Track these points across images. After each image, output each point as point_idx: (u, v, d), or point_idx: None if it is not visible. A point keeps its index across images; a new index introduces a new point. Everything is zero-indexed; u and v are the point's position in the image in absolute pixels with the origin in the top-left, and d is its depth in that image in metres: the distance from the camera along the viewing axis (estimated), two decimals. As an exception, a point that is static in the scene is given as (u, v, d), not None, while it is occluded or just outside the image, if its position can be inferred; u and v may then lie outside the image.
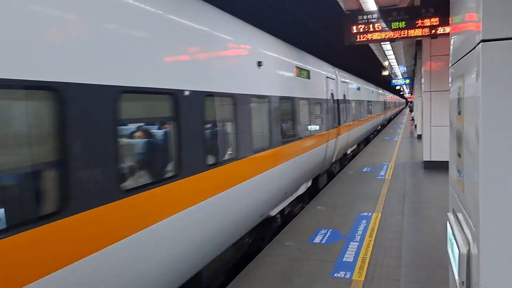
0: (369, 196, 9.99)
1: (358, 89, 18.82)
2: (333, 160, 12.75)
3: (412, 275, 5.48)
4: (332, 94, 12.13)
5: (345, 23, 8.63)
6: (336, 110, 12.63)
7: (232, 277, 6.16)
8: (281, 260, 6.19)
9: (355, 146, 18.47)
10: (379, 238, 6.90)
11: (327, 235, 7.18)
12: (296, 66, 8.68)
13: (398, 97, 79.25)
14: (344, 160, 16.12)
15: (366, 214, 8.39)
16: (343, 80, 14.56)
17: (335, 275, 5.58)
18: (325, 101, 11.23)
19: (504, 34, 2.09)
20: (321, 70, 11.22)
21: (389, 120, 49.66)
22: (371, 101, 24.58)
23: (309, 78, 9.63)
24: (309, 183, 10.21)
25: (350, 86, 16.28)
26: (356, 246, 6.58)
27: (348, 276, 5.52)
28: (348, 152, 16.54)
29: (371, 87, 26.63)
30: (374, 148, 20.27)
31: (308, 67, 9.71)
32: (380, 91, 34.68)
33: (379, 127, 33.32)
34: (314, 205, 9.33)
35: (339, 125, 13.08)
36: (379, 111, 30.76)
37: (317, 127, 10.30)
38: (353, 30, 8.55)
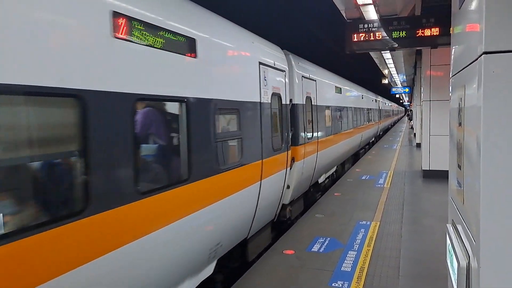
0: (368, 204, 9.95)
1: (338, 91, 13.87)
2: (285, 202, 8.32)
3: (411, 285, 5.44)
4: (277, 94, 7.41)
5: (346, 31, 8.65)
6: (286, 121, 7.93)
7: (229, 285, 6.12)
8: (279, 269, 6.15)
9: (334, 169, 13.68)
10: (378, 247, 6.86)
11: (325, 244, 7.14)
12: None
13: (397, 105, 79.30)
14: (317, 191, 11.63)
15: (364, 222, 8.36)
16: (306, 75, 9.60)
17: (333, 284, 5.54)
18: (254, 106, 6.31)
19: (507, 47, 2.08)
20: (243, 46, 6.22)
21: (386, 130, 44.61)
22: (361, 108, 20.09)
23: (194, 56, 4.53)
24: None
25: (321, 86, 11.21)
26: (354, 255, 6.54)
27: (346, 286, 5.48)
28: (322, 179, 11.61)
29: (361, 92, 21.66)
30: (373, 156, 20.25)
31: (193, 32, 4.55)
32: (375, 97, 29.78)
33: (373, 139, 28.69)
34: (312, 213, 9.29)
35: (294, 145, 8.49)
36: (373, 120, 26.06)
37: (230, 157, 5.61)
38: (354, 39, 8.57)
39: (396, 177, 13.84)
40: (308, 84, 9.60)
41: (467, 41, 2.71)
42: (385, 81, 34.05)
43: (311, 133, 9.74)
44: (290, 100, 8.33)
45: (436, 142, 12.89)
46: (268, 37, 8.28)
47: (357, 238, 7.40)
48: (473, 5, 2.47)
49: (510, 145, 2.17)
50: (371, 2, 8.06)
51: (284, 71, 7.89)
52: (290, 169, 8.14)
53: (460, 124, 2.99)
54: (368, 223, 8.32)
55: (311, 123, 9.77)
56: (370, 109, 24.88)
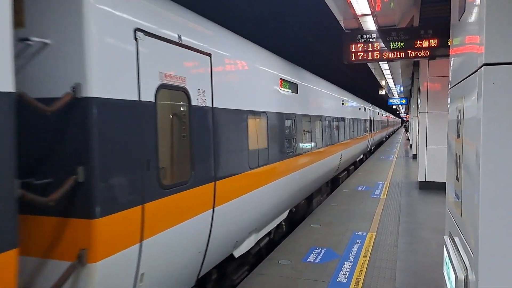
0: (364, 215, 9.92)
1: (288, 88, 8.46)
2: None
3: (407, 297, 5.40)
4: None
5: (344, 41, 8.68)
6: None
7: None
8: (275, 279, 6.09)
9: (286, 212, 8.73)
10: (374, 259, 6.82)
11: (321, 254, 7.09)
12: None
13: (394, 116, 79.57)
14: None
15: (361, 233, 8.31)
16: (160, 31, 4.18)
17: (329, 295, 5.48)
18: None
19: (507, 59, 2.08)
20: None
21: (380, 144, 39.93)
22: (340, 118, 14.77)
23: None
24: None
25: (231, 70, 5.83)
26: (350, 266, 6.49)
27: (341, 297, 5.43)
28: (245, 247, 6.52)
29: (341, 96, 15.75)
30: (369, 167, 20.25)
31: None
32: (364, 104, 24.26)
33: (361, 157, 23.42)
34: (308, 223, 9.25)
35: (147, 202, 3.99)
36: (359, 134, 20.22)
37: None
38: (352, 49, 8.60)
39: (393, 188, 13.83)
40: (169, 55, 4.32)
41: (467, 53, 2.70)
42: (382, 92, 34.19)
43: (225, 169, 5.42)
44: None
45: (433, 153, 12.91)
46: (265, 44, 8.32)
47: (353, 249, 7.35)
48: (473, 17, 2.47)
49: (510, 158, 2.16)
50: (370, 12, 8.11)
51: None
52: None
53: (458, 136, 2.97)
54: (364, 234, 8.28)
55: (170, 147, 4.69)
56: (356, 119, 19.39)
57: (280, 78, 7.86)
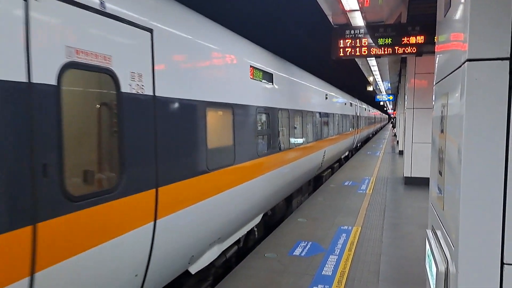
0: (350, 209, 10.01)
1: (260, 78, 7.40)
2: None
3: (390, 290, 5.48)
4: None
5: (333, 37, 8.71)
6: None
7: None
8: (261, 273, 6.13)
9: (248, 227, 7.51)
10: (358, 252, 6.89)
11: (307, 248, 7.14)
12: None
13: (381, 113, 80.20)
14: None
15: (346, 227, 8.40)
16: None
17: (313, 288, 5.54)
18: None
19: (490, 55, 2.11)
20: None
21: (367, 140, 39.65)
22: (323, 113, 13.69)
23: None
24: None
25: (183, 48, 4.79)
26: (335, 260, 6.56)
27: (326, 289, 5.49)
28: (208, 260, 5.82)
29: (325, 89, 14.66)
30: (356, 163, 20.41)
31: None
32: (351, 100, 23.25)
33: (346, 154, 22.44)
34: (295, 217, 9.30)
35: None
36: (345, 130, 19.52)
37: None
38: (340, 45, 8.63)
39: (378, 183, 13.96)
40: (85, 26, 3.37)
41: (451, 49, 2.74)
42: (370, 88, 34.42)
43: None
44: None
45: (419, 149, 13.06)
46: (257, 41, 8.32)
47: (338, 242, 7.42)
48: (458, 13, 2.51)
49: (491, 152, 2.20)
50: (358, 8, 8.14)
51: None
52: None
53: (442, 131, 3.02)
54: (350, 228, 8.37)
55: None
56: (342, 115, 18.61)
57: (251, 66, 6.83)
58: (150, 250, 4.07)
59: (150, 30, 4.03)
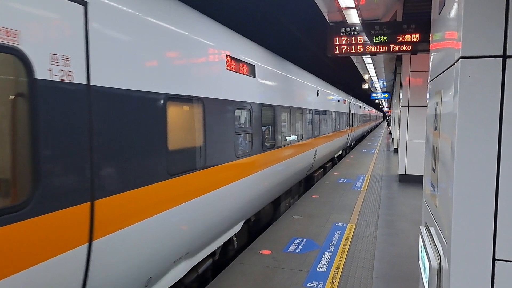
0: (344, 207, 10.05)
1: (248, 72, 6.93)
2: None
3: (384, 286, 5.51)
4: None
5: (328, 34, 8.71)
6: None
7: (204, 284, 6.08)
8: (255, 269, 6.14)
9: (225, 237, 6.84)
10: (353, 249, 6.93)
11: (302, 244, 7.17)
12: None
13: (376, 110, 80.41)
14: None
15: (341, 224, 8.43)
16: None
17: (308, 284, 5.56)
18: None
19: (483, 52, 2.13)
20: None
21: (361, 138, 38.84)
22: (315, 110, 13.10)
23: None
24: None
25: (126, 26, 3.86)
26: (329, 256, 6.59)
27: (320, 286, 5.51)
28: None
29: (316, 85, 13.76)
30: (351, 160, 20.47)
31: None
32: (345, 97, 22.82)
33: (340, 152, 21.83)
34: (290, 214, 9.33)
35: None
36: (337, 128, 18.60)
37: None
38: (336, 42, 8.64)
39: (373, 181, 14.02)
40: None
41: (445, 47, 2.76)
42: (366, 86, 34.49)
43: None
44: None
45: (413, 147, 13.12)
46: (252, 37, 8.30)
47: (333, 239, 7.46)
48: (452, 11, 2.52)
49: (484, 149, 2.22)
50: (354, 5, 8.15)
51: None
52: None
53: (436, 128, 3.04)
54: (344, 225, 8.40)
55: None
56: (335, 112, 17.91)
57: (228, 56, 6.01)
58: (84, 277, 3.29)
59: (84, 3, 3.25)
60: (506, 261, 2.22)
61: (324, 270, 6.05)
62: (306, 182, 13.81)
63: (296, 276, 5.85)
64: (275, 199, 9.51)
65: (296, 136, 10.44)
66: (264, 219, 8.86)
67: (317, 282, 5.62)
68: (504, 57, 2.11)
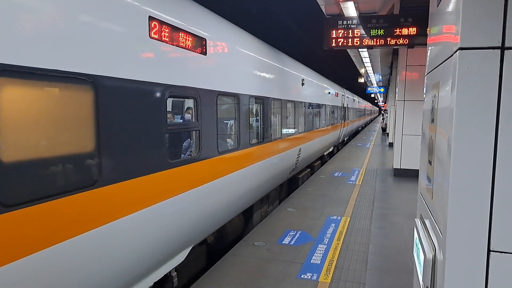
0: (339, 200, 10.08)
1: (192, 46, 5.06)
2: None
3: (377, 279, 5.55)
4: None
5: (325, 27, 8.68)
6: None
7: (199, 275, 6.09)
8: (250, 260, 6.16)
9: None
10: (347, 242, 6.96)
11: (296, 237, 7.19)
12: None
13: (372, 105, 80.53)
14: None
15: (335, 217, 8.46)
16: None
17: (302, 276, 5.59)
18: None
19: (481, 44, 2.12)
20: None
21: (356, 133, 37.17)
22: (299, 102, 11.55)
23: None
24: None
25: None
26: (324, 249, 6.61)
27: (314, 277, 5.54)
28: None
29: (303, 74, 12.34)
30: (346, 154, 20.52)
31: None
32: (339, 90, 21.32)
33: (331, 149, 20.04)
34: (284, 207, 9.35)
35: None
36: (328, 123, 17.24)
37: None
38: (333, 35, 8.61)
39: (368, 174, 14.07)
40: None
41: (444, 38, 2.75)
42: (361, 80, 34.49)
43: None
44: None
45: (408, 141, 13.16)
46: (248, 30, 8.24)
47: (327, 232, 7.48)
48: (451, 4, 2.51)
49: (481, 141, 2.22)
50: (351, -2, 8.12)
51: None
52: None
53: (432, 120, 3.04)
54: (339, 218, 8.43)
55: None
56: (325, 105, 16.29)
57: (153, 18, 4.23)
58: None
59: None
60: (501, 252, 2.23)
61: (318, 262, 6.08)
62: (290, 184, 12.38)
63: (291, 267, 5.87)
64: (246, 209, 7.81)
65: (272, 134, 8.69)
66: (229, 236, 7.46)
67: (311, 274, 5.65)
68: (503, 48, 2.10)
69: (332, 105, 18.46)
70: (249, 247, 6.68)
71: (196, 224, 5.29)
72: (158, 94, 4.32)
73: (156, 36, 4.28)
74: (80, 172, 3.37)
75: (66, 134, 3.25)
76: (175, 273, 5.21)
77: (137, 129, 4.00)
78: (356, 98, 35.81)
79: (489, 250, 2.25)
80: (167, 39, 4.48)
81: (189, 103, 5.64)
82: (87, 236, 3.37)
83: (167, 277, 5.11)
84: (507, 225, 2.22)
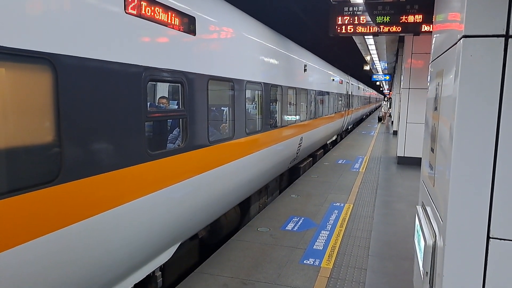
0: (342, 187, 10.13)
1: (181, 26, 4.57)
2: None
3: (379, 265, 5.61)
4: None
5: (331, 13, 8.62)
6: None
7: (203, 259, 6.18)
8: (253, 245, 6.24)
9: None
10: (350, 228, 7.02)
11: (300, 223, 7.26)
12: None
13: (377, 93, 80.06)
14: None
15: (338, 204, 8.52)
16: None
17: (305, 261, 5.66)
18: None
19: (485, 31, 2.13)
20: None
21: (360, 121, 36.89)
22: (301, 89, 11.07)
23: None
24: None
25: None
26: (326, 235, 6.68)
27: (317, 263, 5.61)
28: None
29: (308, 60, 12.25)
30: (351, 141, 20.52)
31: None
32: (342, 77, 20.70)
33: (334, 137, 19.70)
34: (288, 193, 9.41)
35: None
36: (331, 111, 16.63)
37: None
38: (339, 22, 8.55)
39: (372, 162, 14.08)
40: None
41: (448, 26, 2.75)
42: (367, 68, 34.27)
43: None
44: None
45: (412, 129, 13.13)
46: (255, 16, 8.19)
47: (330, 218, 7.54)
48: (456, -10, 2.51)
49: (483, 129, 2.24)
50: (358, -15, 8.05)
51: None
52: None
53: (436, 108, 3.06)
54: (342, 205, 8.49)
55: None
56: (328, 93, 15.69)
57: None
58: None
59: None
60: (500, 239, 2.26)
61: (321, 248, 6.15)
62: (292, 174, 11.98)
63: (293, 253, 5.95)
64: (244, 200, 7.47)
65: (270, 122, 8.19)
66: (223, 229, 7.01)
67: (313, 259, 5.72)
68: (507, 36, 2.11)
69: (336, 93, 17.89)
70: (252, 233, 6.76)
71: (184, 220, 4.90)
72: (134, 77, 3.78)
73: (134, 12, 3.74)
74: (35, 167, 2.87)
75: (19, 123, 2.75)
76: (160, 272, 4.81)
77: (107, 116, 3.46)
78: (361, 85, 35.46)
79: (488, 237, 2.29)
80: (147, 16, 3.91)
81: (172, 88, 5.29)
82: (45, 239, 2.89)
83: (150, 278, 4.71)
84: (507, 213, 2.25)
